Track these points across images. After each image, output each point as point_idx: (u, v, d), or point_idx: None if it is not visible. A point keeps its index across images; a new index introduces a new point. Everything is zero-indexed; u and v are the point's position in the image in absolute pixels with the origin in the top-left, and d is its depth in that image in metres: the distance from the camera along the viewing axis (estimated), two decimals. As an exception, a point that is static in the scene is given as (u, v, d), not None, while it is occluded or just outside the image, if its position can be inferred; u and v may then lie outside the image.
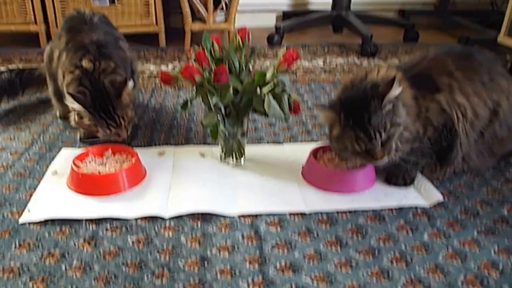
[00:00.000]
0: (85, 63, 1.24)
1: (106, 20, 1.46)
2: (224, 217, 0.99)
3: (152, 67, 2.13)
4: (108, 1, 2.32)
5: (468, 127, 1.04)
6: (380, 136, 0.91)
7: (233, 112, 1.13)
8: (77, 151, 1.22)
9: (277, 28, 2.51)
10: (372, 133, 0.91)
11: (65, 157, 1.22)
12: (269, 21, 2.87)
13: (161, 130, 1.43)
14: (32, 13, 2.28)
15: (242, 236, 0.93)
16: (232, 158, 1.22)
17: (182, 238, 0.92)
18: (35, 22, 2.31)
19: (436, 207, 1.04)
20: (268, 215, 1.00)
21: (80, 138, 1.35)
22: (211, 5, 2.29)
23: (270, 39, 2.53)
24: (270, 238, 0.93)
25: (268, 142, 1.36)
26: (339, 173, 1.11)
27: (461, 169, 1.14)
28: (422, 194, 1.09)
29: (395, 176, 1.12)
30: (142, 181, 1.12)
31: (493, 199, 1.08)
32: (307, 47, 2.48)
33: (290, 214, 1.01)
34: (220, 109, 1.11)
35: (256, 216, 1.00)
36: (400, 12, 3.04)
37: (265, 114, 1.07)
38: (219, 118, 1.14)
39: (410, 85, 1.02)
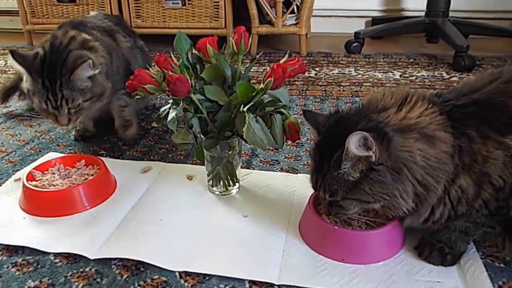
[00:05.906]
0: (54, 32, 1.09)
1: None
2: (162, 271, 0.74)
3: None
4: (180, 3, 2.25)
5: None
6: None
7: (213, 131, 0.87)
8: (60, 156, 1.07)
9: (356, 34, 2.17)
10: None
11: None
12: (357, 27, 2.49)
13: (166, 141, 1.23)
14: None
15: (168, 307, 0.67)
16: (223, 185, 0.96)
17: (91, 295, 0.69)
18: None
19: (483, 310, 0.65)
20: (222, 278, 0.72)
21: (74, 137, 1.24)
22: (280, 7, 2.03)
23: (347, 46, 2.18)
24: (201, 319, 0.65)
25: (282, 169, 1.06)
26: (342, 232, 0.76)
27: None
28: (467, 283, 0.69)
29: (431, 246, 0.74)
30: (100, 204, 0.92)
31: None
32: (388, 56, 2.07)
33: (251, 283, 0.71)
34: (191, 126, 0.85)
35: (204, 277, 0.72)
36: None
37: (244, 139, 0.79)
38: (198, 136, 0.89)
39: (457, 119, 0.66)
